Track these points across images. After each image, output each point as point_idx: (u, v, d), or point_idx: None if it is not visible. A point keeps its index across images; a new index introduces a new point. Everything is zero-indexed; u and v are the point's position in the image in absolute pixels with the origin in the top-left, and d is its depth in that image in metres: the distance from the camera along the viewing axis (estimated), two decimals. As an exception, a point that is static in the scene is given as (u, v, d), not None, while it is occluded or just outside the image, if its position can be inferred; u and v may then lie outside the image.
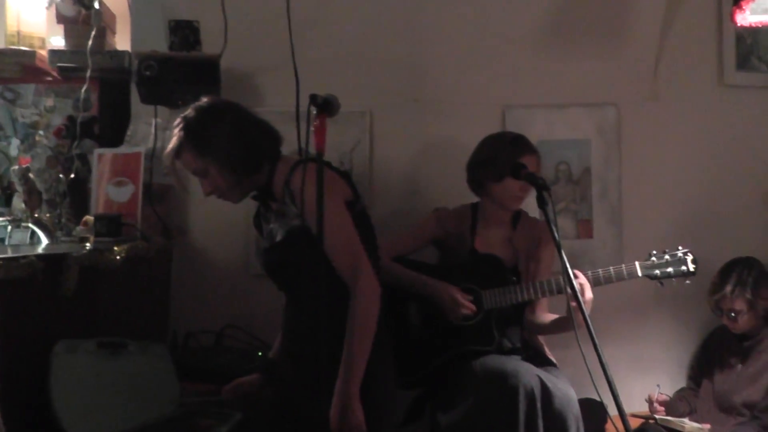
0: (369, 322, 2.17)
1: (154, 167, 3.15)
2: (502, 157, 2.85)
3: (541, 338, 3.03)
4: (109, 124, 3.29)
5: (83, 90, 3.11)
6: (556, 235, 2.42)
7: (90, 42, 3.03)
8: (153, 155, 3.15)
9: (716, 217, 3.52)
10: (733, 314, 3.09)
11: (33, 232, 2.84)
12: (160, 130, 3.22)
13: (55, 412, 2.23)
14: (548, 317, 2.93)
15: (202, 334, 3.08)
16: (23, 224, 2.82)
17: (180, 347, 3.02)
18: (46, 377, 2.25)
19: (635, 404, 3.31)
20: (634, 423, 3.17)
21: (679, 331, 3.51)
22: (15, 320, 2.19)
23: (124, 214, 2.97)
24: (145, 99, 3.10)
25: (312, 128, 2.04)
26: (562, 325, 2.82)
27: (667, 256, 2.84)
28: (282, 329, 2.52)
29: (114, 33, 3.46)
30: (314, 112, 2.05)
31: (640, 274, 2.82)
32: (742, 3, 2.85)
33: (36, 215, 2.88)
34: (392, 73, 3.40)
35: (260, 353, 2.87)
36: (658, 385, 3.26)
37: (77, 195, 3.14)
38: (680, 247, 2.86)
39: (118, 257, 2.61)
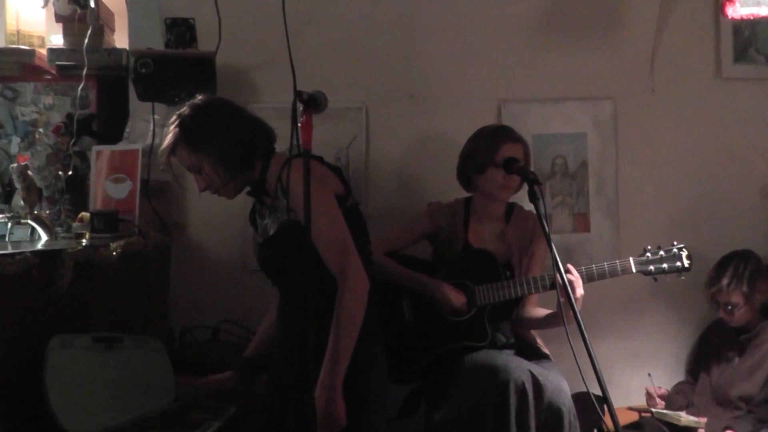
0: (355, 316, 2.19)
1: (152, 164, 3.18)
2: (482, 148, 2.88)
3: (534, 332, 3.03)
4: (108, 122, 3.32)
5: (80, 88, 3.14)
6: (546, 227, 2.42)
7: (86, 40, 3.06)
8: (151, 152, 3.18)
9: (713, 210, 3.52)
10: (729, 307, 3.09)
11: (33, 229, 2.88)
12: (157, 126, 3.25)
13: (49, 407, 2.23)
14: (538, 312, 2.93)
15: (199, 329, 3.10)
16: (22, 221, 2.84)
17: (176, 342, 3.04)
18: (41, 372, 2.25)
19: (633, 398, 3.32)
20: (631, 416, 3.18)
21: (677, 325, 3.51)
22: (10, 316, 2.21)
23: (122, 211, 3.00)
24: (142, 96, 3.13)
25: (299, 124, 2.08)
26: (553, 320, 2.83)
27: (661, 252, 2.84)
28: (276, 324, 2.54)
29: (113, 31, 3.49)
30: (301, 108, 2.08)
31: (634, 270, 2.83)
32: (732, -5, 2.85)
33: (35, 212, 2.91)
34: (388, 68, 3.41)
35: (244, 355, 2.89)
36: (649, 374, 3.25)
37: (77, 192, 3.18)
38: (675, 243, 2.86)
39: (114, 253, 2.63)
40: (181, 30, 3.15)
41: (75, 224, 2.84)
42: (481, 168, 2.88)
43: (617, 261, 2.82)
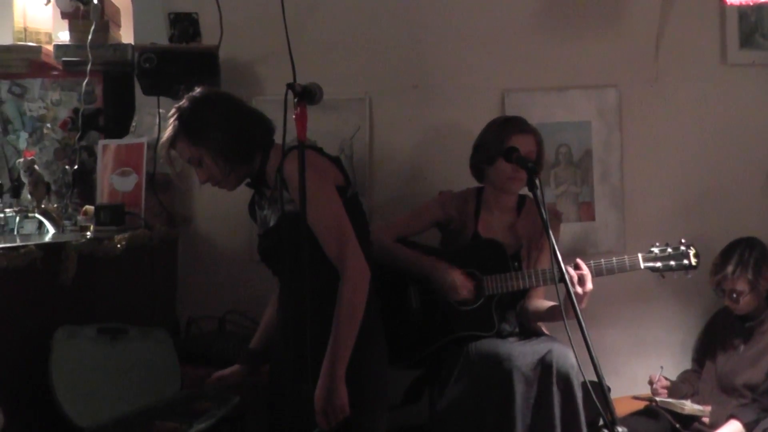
0: (356, 305, 2.20)
1: (157, 157, 3.22)
2: (492, 140, 2.88)
3: (544, 326, 3.02)
4: (114, 116, 3.35)
5: (84, 83, 3.18)
6: (544, 216, 2.42)
7: (90, 36, 3.10)
8: (157, 145, 3.21)
9: (719, 197, 3.50)
10: (734, 295, 3.07)
11: (41, 223, 2.93)
12: (163, 120, 3.27)
13: (55, 397, 2.27)
14: (544, 304, 2.93)
15: (206, 320, 3.14)
16: (30, 215, 2.89)
17: (182, 333, 3.08)
18: (47, 363, 2.30)
19: (639, 387, 3.32)
20: (636, 405, 3.19)
21: (683, 314, 3.51)
22: (15, 308, 2.25)
23: (128, 204, 3.04)
24: (147, 91, 3.17)
25: (293, 116, 2.10)
26: (556, 313, 2.83)
27: (669, 249, 2.85)
28: (278, 314, 2.57)
29: (118, 26, 3.52)
30: (295, 100, 2.10)
31: (642, 266, 2.84)
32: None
33: (43, 206, 2.96)
34: (391, 59, 3.43)
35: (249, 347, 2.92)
36: (661, 367, 3.26)
37: (84, 185, 3.23)
38: (683, 240, 2.86)
39: (118, 246, 2.67)
40: (184, 25, 3.18)
41: (79, 217, 2.88)
42: (490, 159, 2.89)
43: (626, 256, 2.82)
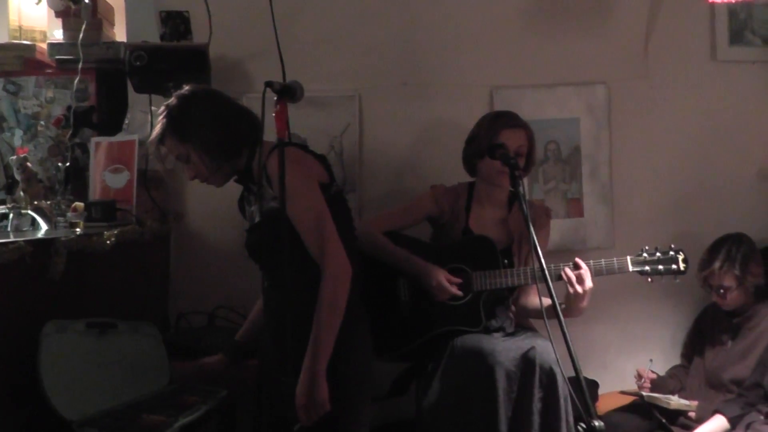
0: (337, 301, 2.23)
1: (149, 154, 3.26)
2: (482, 134, 2.91)
3: (533, 321, 3.06)
4: (108, 113, 3.40)
5: (76, 81, 3.22)
6: (526, 211, 2.44)
7: (81, 34, 3.13)
8: (148, 142, 3.25)
9: (708, 194, 3.51)
10: (722, 290, 3.08)
11: (34, 219, 2.96)
12: (155, 117, 3.32)
13: (43, 391, 2.30)
14: (535, 301, 2.91)
15: (196, 315, 3.18)
16: (23, 211, 2.92)
17: (172, 327, 3.12)
18: (35, 357, 2.33)
19: (627, 382, 3.34)
20: (623, 400, 3.20)
21: (672, 309, 3.52)
22: (4, 302, 2.28)
23: (120, 200, 3.09)
24: (138, 88, 3.21)
25: (273, 114, 2.13)
26: (549, 311, 2.84)
27: (658, 254, 2.87)
28: (263, 309, 2.60)
29: (112, 25, 3.56)
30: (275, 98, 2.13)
31: (630, 269, 2.86)
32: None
33: (36, 203, 2.99)
34: (380, 56, 3.45)
35: (236, 338, 2.96)
36: (650, 360, 3.27)
37: (78, 182, 3.26)
38: (672, 246, 2.88)
39: (108, 242, 2.71)
40: (175, 23, 3.22)
41: (69, 214, 2.92)
42: (480, 153, 2.91)
43: (614, 259, 2.84)
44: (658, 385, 3.23)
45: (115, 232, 2.77)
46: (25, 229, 2.88)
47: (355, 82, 3.45)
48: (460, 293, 2.83)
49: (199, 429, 2.73)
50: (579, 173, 3.49)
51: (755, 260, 3.10)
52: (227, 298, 3.25)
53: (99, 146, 3.21)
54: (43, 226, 2.93)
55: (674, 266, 2.85)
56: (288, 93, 2.12)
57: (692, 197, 3.51)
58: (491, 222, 3.01)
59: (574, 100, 3.49)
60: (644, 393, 3.13)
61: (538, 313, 2.89)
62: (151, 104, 3.28)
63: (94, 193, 3.16)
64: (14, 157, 2.96)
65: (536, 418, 2.55)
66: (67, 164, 3.16)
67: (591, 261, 2.81)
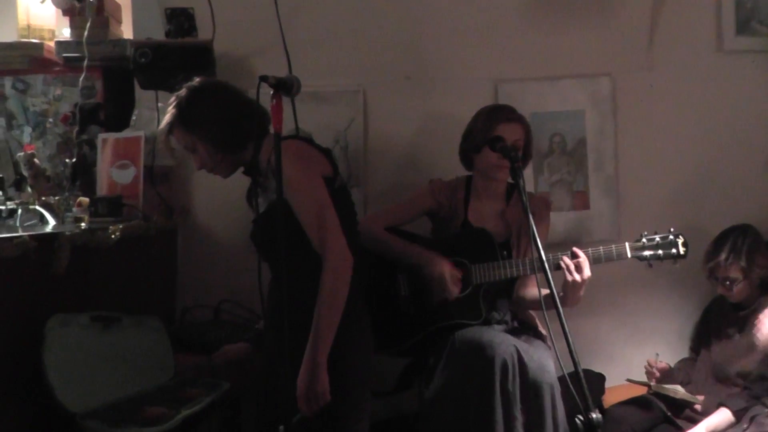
0: (337, 293, 2.24)
1: (156, 150, 3.29)
2: (478, 128, 2.91)
3: (533, 313, 3.05)
4: (115, 110, 3.44)
5: (81, 78, 3.26)
6: (526, 204, 2.44)
7: (86, 32, 3.17)
8: (156, 138, 3.29)
9: (715, 185, 3.47)
10: (728, 282, 3.04)
11: (42, 215, 3.01)
12: (162, 113, 3.35)
13: (48, 383, 2.35)
14: (536, 292, 2.92)
15: (201, 309, 3.21)
16: (31, 207, 2.97)
17: (177, 321, 3.15)
18: (40, 350, 2.38)
19: (634, 374, 3.29)
20: (630, 393, 3.19)
21: (680, 302, 3.49)
22: (8, 297, 2.33)
23: (127, 196, 3.13)
24: (144, 85, 3.25)
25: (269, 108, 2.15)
26: (548, 302, 2.84)
27: (657, 238, 2.85)
28: (267, 302, 2.62)
29: (119, 22, 3.60)
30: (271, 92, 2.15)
31: (629, 255, 2.84)
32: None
33: (43, 198, 3.04)
34: (384, 50, 3.45)
35: (256, 326, 3.00)
36: (657, 354, 3.26)
37: (86, 178, 3.31)
38: (671, 229, 2.87)
39: (112, 236, 2.75)
40: (180, 20, 3.25)
41: (74, 209, 2.96)
42: (477, 147, 2.91)
43: (613, 245, 2.83)
44: (666, 376, 3.21)
45: (120, 227, 2.82)
46: (33, 224, 2.92)
47: (359, 76, 3.47)
48: (458, 294, 2.82)
49: (202, 421, 2.78)
50: (584, 166, 3.48)
51: (761, 252, 3.06)
52: (232, 293, 3.28)
53: (106, 143, 3.25)
54: (51, 222, 2.98)
55: (674, 250, 2.83)
56: (283, 87, 2.13)
57: (698, 189, 3.47)
58: (490, 215, 3.01)
59: (578, 92, 3.47)
60: (652, 383, 3.12)
61: (536, 304, 2.89)
62: (157, 101, 3.32)
63: (102, 188, 3.20)
64: (21, 154, 3.01)
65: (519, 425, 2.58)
66: (74, 160, 3.19)
67: (590, 249, 2.80)
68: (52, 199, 3.09)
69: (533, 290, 2.93)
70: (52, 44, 3.44)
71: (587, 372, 3.25)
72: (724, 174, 3.48)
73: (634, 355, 3.39)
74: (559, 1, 3.40)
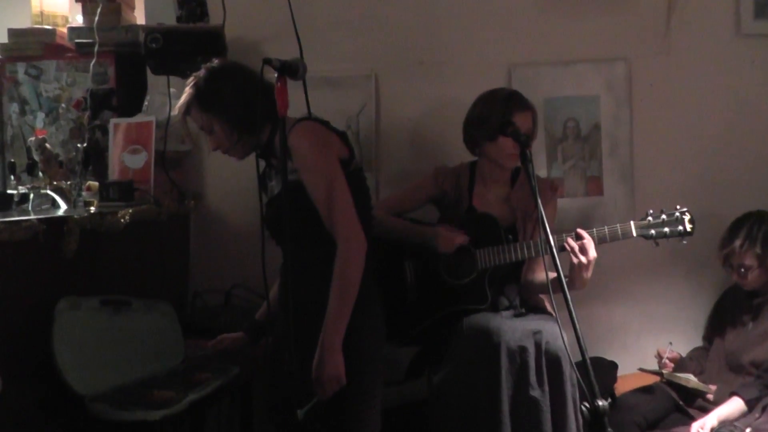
0: (351, 277, 2.23)
1: (169, 135, 3.30)
2: (495, 116, 2.86)
3: (543, 297, 3.01)
4: (127, 96, 3.45)
5: (92, 64, 3.27)
6: (535, 189, 2.42)
7: (96, 18, 3.18)
8: (168, 124, 3.30)
9: (731, 172, 3.41)
10: (742, 270, 3.00)
11: (55, 200, 3.03)
12: (174, 99, 3.36)
13: (57, 367, 2.36)
14: (543, 276, 2.90)
15: (212, 293, 3.23)
16: (42, 191, 2.99)
17: (188, 306, 3.17)
18: (49, 333, 2.39)
19: (647, 364, 3.26)
20: (642, 381, 3.16)
21: (693, 290, 3.44)
22: (18, 279, 2.35)
23: (138, 181, 3.14)
24: (156, 70, 3.25)
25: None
26: (555, 285, 2.81)
27: (663, 216, 2.80)
28: (279, 287, 2.62)
29: (132, 9, 3.61)
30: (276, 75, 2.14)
31: (635, 233, 2.80)
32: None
33: (55, 183, 3.06)
34: (397, 35, 3.44)
35: (256, 317, 2.99)
36: (670, 343, 3.22)
37: (98, 163, 3.33)
38: (678, 207, 2.82)
39: (122, 220, 2.76)
40: (192, 5, 3.25)
41: (84, 193, 2.97)
42: (493, 136, 2.88)
43: (617, 225, 2.79)
44: (678, 365, 3.18)
45: (130, 211, 2.82)
46: (45, 209, 2.94)
47: (371, 61, 3.44)
48: (465, 238, 2.82)
49: (211, 405, 2.79)
50: (599, 151, 3.43)
51: (777, 239, 3.02)
52: (244, 278, 3.28)
53: (118, 128, 3.26)
54: (63, 206, 3.00)
55: (680, 227, 2.78)
56: (287, 70, 2.12)
57: (714, 175, 3.41)
58: (495, 200, 2.99)
59: (593, 77, 3.42)
60: (664, 371, 3.09)
61: (544, 288, 2.85)
62: (169, 86, 3.33)
63: (113, 174, 3.22)
64: (33, 139, 3.03)
65: (542, 405, 2.55)
66: (86, 145, 3.20)
67: (594, 229, 2.77)
68: (65, 184, 3.11)
69: (541, 274, 2.91)
70: (64, 30, 3.46)
71: (600, 360, 3.24)
72: (740, 160, 3.42)
73: (648, 343, 3.36)
74: (573, -17, 3.36)
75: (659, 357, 3.19)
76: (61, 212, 2.91)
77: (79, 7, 3.49)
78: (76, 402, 2.35)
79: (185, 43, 3.14)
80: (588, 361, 2.15)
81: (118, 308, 2.65)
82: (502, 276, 2.91)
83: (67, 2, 3.55)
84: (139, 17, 3.65)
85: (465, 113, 3.06)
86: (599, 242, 2.75)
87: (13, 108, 3.45)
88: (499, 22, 3.42)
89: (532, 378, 2.58)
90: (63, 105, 3.40)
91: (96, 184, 2.98)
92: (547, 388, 2.57)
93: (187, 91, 2.43)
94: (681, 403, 2.97)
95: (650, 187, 3.43)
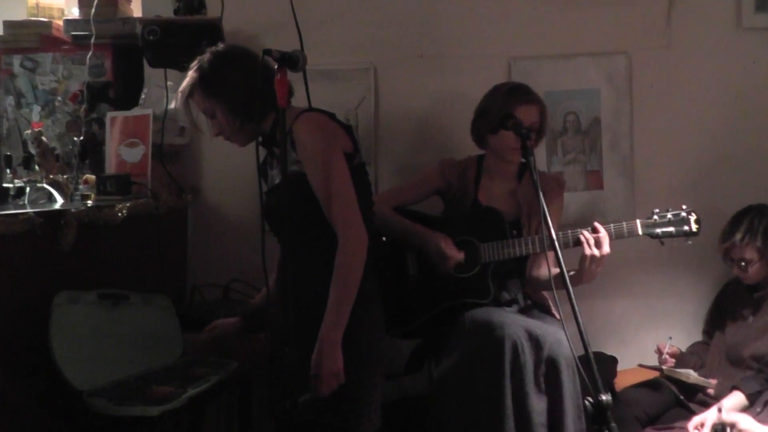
0: (353, 272, 2.22)
1: (166, 128, 3.28)
2: (497, 108, 2.85)
3: (547, 294, 3.02)
4: (124, 89, 3.42)
5: (88, 57, 3.25)
6: (537, 183, 2.41)
7: (93, 10, 3.16)
8: (165, 117, 3.27)
9: (731, 165, 3.41)
10: (743, 263, 2.99)
11: (51, 193, 3.00)
12: (171, 92, 3.33)
13: (55, 361, 2.34)
14: (547, 272, 2.89)
15: (211, 288, 3.20)
16: (39, 185, 2.96)
17: (187, 300, 3.14)
18: (46, 327, 2.37)
19: (648, 358, 3.26)
20: (642, 376, 3.15)
21: (695, 284, 3.44)
22: (15, 272, 2.32)
23: (135, 174, 3.11)
24: (153, 63, 3.23)
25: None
26: (557, 280, 2.80)
27: (669, 215, 2.81)
28: (277, 281, 2.60)
29: (129, 1, 3.58)
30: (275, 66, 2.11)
31: (640, 232, 2.80)
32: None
33: (52, 176, 3.03)
34: (396, 28, 3.41)
35: (250, 301, 2.97)
36: (670, 338, 3.22)
37: (95, 157, 3.30)
38: (684, 206, 2.82)
39: (119, 214, 2.73)
40: (189, -3, 3.22)
41: (81, 186, 2.95)
42: (494, 128, 2.86)
43: (624, 222, 2.80)
44: (678, 361, 3.17)
45: (127, 204, 2.80)
46: (41, 202, 2.91)
47: (370, 54, 3.42)
48: (460, 255, 2.80)
49: (210, 400, 2.77)
50: (599, 145, 3.43)
51: (778, 232, 3.01)
52: (242, 272, 3.26)
53: (115, 121, 3.24)
54: (59, 200, 2.97)
55: (686, 227, 2.79)
56: (287, 61, 2.09)
57: (715, 169, 3.41)
58: (501, 195, 2.98)
59: (594, 70, 3.41)
60: (664, 367, 3.08)
61: (549, 284, 2.84)
62: (166, 79, 3.30)
63: (110, 167, 3.20)
64: (29, 131, 3.00)
65: (532, 404, 2.55)
66: (83, 139, 3.17)
67: (611, 225, 2.78)
68: (61, 178, 3.07)
69: (545, 270, 2.89)
70: (60, 23, 3.42)
71: (600, 354, 3.23)
72: (741, 153, 3.42)
73: (648, 337, 3.35)
74: (574, -24, 3.35)
75: (659, 352, 3.18)
76: (57, 206, 2.88)
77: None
78: (74, 397, 2.33)
79: (183, 36, 3.12)
80: (592, 356, 2.15)
81: (116, 302, 2.63)
82: (505, 271, 2.89)
83: (63, -6, 3.53)
84: (136, 10, 3.62)
85: (465, 107, 3.06)
86: None
87: (9, 101, 3.41)
88: (499, 15, 3.40)
89: (530, 378, 2.57)
90: (59, 98, 3.37)
91: (93, 177, 2.95)
92: (544, 388, 2.57)
93: (190, 74, 2.40)
94: (681, 397, 2.96)
95: (650, 180, 3.43)
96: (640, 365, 3.17)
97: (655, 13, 3.38)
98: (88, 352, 2.46)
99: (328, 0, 3.37)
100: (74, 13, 3.52)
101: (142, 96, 3.39)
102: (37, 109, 3.41)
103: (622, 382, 3.17)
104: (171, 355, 2.73)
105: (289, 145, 2.30)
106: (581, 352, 2.15)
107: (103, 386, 2.39)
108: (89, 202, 2.77)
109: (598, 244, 2.70)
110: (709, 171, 3.41)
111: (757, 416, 2.68)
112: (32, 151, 2.99)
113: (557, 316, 2.91)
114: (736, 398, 2.78)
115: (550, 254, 2.44)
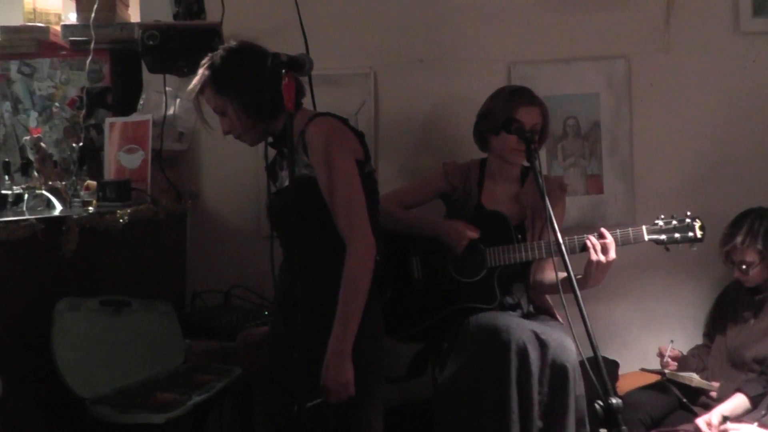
0: (361, 281, 2.20)
1: (165, 134, 3.26)
2: (498, 110, 2.86)
3: (550, 299, 3.02)
4: (123, 94, 3.40)
5: (87, 62, 3.23)
6: (542, 186, 2.41)
7: (92, 15, 3.14)
8: (164, 122, 3.26)
9: (731, 169, 3.42)
10: (744, 266, 3.01)
11: (50, 200, 2.97)
12: (170, 98, 3.32)
13: (57, 368, 2.31)
14: (553, 276, 2.87)
15: (211, 294, 3.19)
16: (38, 191, 2.93)
17: (188, 306, 3.13)
18: (48, 334, 2.34)
19: (649, 362, 3.27)
20: (644, 379, 3.15)
21: (695, 288, 3.44)
22: (16, 279, 2.30)
23: (135, 180, 3.09)
24: (152, 68, 3.20)
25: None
26: (565, 285, 2.80)
27: (674, 222, 2.82)
28: (278, 286, 2.57)
29: (127, 6, 3.56)
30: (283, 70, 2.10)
31: (646, 238, 2.81)
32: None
33: (50, 183, 3.00)
34: (396, 32, 3.42)
35: (266, 312, 2.97)
36: (671, 341, 3.22)
37: (93, 163, 3.28)
38: (688, 213, 2.83)
39: (120, 220, 2.71)
40: (188, 2, 3.22)
41: (82, 192, 2.93)
42: (496, 130, 2.86)
43: (630, 229, 2.81)
44: (680, 364, 3.17)
45: (128, 210, 2.78)
46: (40, 209, 2.89)
47: (370, 59, 3.42)
48: (477, 234, 2.80)
49: (213, 407, 2.75)
50: (599, 149, 3.43)
51: (778, 235, 3.02)
52: (243, 278, 3.25)
53: (113, 126, 3.22)
54: (58, 206, 2.94)
55: (690, 234, 2.80)
56: (295, 66, 2.08)
57: (715, 173, 3.42)
58: (504, 198, 2.98)
59: (593, 74, 3.42)
60: (666, 371, 3.08)
61: (554, 288, 2.82)
62: (165, 84, 3.29)
63: (109, 173, 3.18)
64: (28, 138, 2.98)
65: (536, 410, 2.54)
66: (81, 145, 3.15)
67: (618, 231, 2.79)
68: (59, 184, 3.05)
69: (550, 274, 2.90)
70: (58, 28, 3.40)
71: (590, 360, 3.22)
72: (740, 157, 3.43)
73: (649, 341, 3.36)
74: (573, -20, 3.36)
75: (661, 356, 3.18)
76: (56, 213, 2.86)
77: (72, 4, 3.43)
78: (77, 404, 2.30)
79: (182, 41, 3.09)
80: (601, 360, 2.15)
81: (118, 309, 2.61)
82: (509, 275, 2.89)
83: (60, 0, 3.49)
84: (134, 15, 3.60)
85: (464, 111, 3.07)
86: None
87: (6, 107, 3.39)
88: (499, 20, 3.41)
89: (535, 383, 2.57)
90: (57, 103, 3.35)
91: (94, 183, 2.93)
92: (546, 399, 2.57)
93: (201, 71, 2.36)
94: (684, 400, 2.97)
95: (650, 184, 3.44)
96: (642, 369, 3.17)
97: (654, 17, 3.40)
98: (90, 359, 2.44)
99: (327, 5, 3.36)
100: (71, 18, 3.50)
101: (141, 101, 3.37)
102: (34, 115, 3.38)
103: (624, 385, 3.17)
104: (173, 361, 2.71)
105: (300, 148, 2.29)
106: (587, 355, 2.16)
107: (106, 393, 2.37)
108: (91, 209, 2.74)
109: (604, 250, 2.71)
110: (708, 174, 3.43)
111: (761, 419, 2.69)
112: (31, 157, 2.96)
113: (561, 320, 2.92)
114: (739, 400, 2.79)
115: (557, 259, 2.44)
